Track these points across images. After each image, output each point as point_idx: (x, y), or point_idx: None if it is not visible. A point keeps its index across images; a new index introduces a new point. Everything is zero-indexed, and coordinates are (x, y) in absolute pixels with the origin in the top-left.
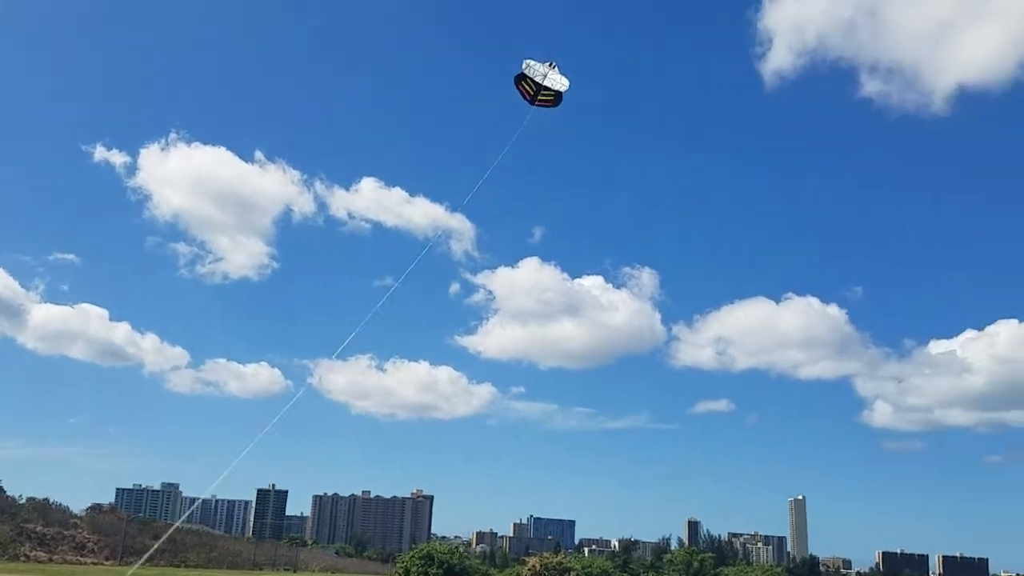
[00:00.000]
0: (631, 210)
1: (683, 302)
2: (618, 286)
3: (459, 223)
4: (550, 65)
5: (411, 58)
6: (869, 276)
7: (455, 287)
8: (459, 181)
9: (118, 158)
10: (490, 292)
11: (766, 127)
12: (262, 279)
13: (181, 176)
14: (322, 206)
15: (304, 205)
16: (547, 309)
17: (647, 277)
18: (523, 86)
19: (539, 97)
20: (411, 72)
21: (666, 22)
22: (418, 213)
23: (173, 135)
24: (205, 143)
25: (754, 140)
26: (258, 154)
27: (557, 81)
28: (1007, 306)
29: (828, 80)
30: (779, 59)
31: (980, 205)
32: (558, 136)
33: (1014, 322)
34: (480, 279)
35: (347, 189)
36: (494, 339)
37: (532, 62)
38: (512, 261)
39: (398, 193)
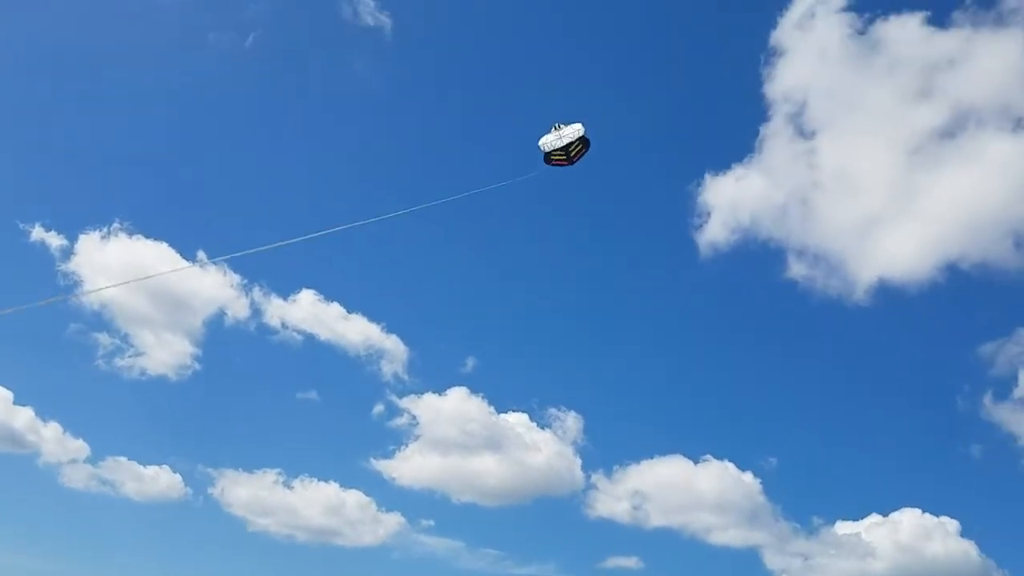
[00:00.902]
0: (563, 353)
1: (605, 451)
2: (543, 426)
3: (393, 344)
4: (556, 128)
5: (364, 175)
6: (784, 449)
7: (379, 408)
8: (399, 302)
9: (55, 240)
10: (414, 417)
11: (697, 294)
12: (181, 379)
13: (117, 266)
14: (257, 312)
15: (239, 310)
16: (470, 441)
17: (572, 421)
18: (555, 160)
19: (573, 155)
20: (363, 190)
21: (612, 187)
22: (353, 330)
23: (116, 224)
24: (148, 236)
25: (685, 304)
26: (200, 254)
27: (572, 132)
28: (910, 494)
29: (758, 258)
30: (715, 232)
31: (890, 395)
32: (503, 277)
33: (917, 511)
34: (405, 403)
35: (285, 299)
36: (411, 466)
37: (544, 138)
38: (441, 388)
39: (336, 308)
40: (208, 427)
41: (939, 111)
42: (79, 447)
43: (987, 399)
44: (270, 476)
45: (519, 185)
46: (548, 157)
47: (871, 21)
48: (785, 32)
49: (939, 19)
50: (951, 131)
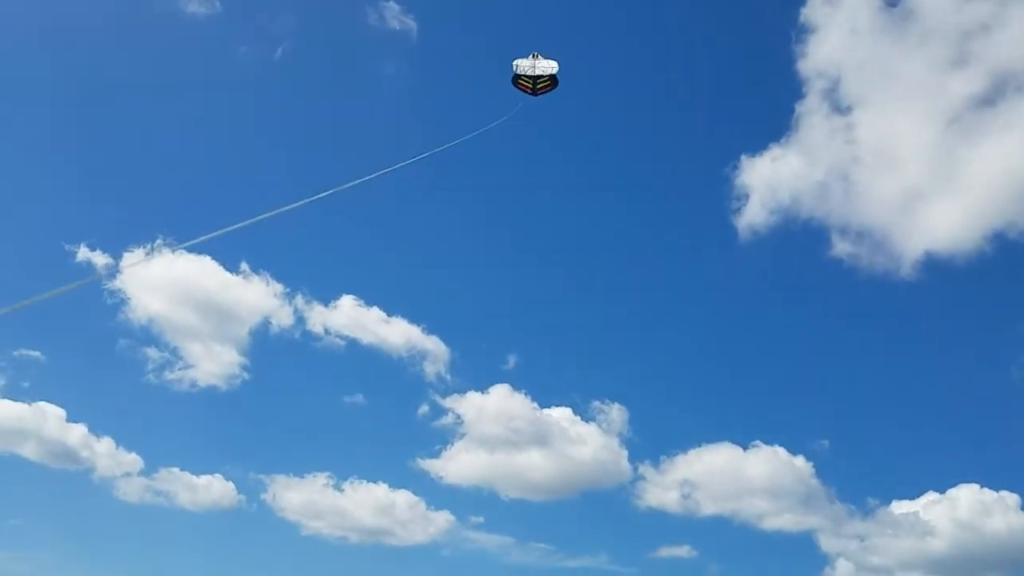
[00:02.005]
0: (604, 344)
1: (651, 441)
2: (587, 420)
3: (434, 345)
4: (533, 56)
5: (400, 186)
6: (836, 431)
7: (424, 409)
8: (438, 304)
9: (100, 259)
10: (459, 416)
11: (739, 278)
12: (231, 389)
13: (162, 282)
14: (300, 320)
15: (283, 318)
16: (514, 437)
17: (616, 413)
18: (521, 84)
19: (539, 87)
20: (395, 197)
21: (648, 173)
22: (394, 333)
23: (159, 241)
24: (190, 251)
25: (727, 289)
26: (243, 265)
27: (547, 66)
28: (967, 470)
29: (800, 238)
30: (754, 215)
31: (944, 370)
32: (540, 273)
33: (975, 486)
34: (449, 402)
35: (326, 305)
36: (458, 464)
37: (518, 60)
38: (483, 386)
39: (376, 312)
40: (258, 434)
41: (976, 79)
42: (132, 460)
43: None
44: (320, 479)
45: (556, 184)
46: (516, 79)
47: None
48: (815, 8)
49: None
50: (990, 98)
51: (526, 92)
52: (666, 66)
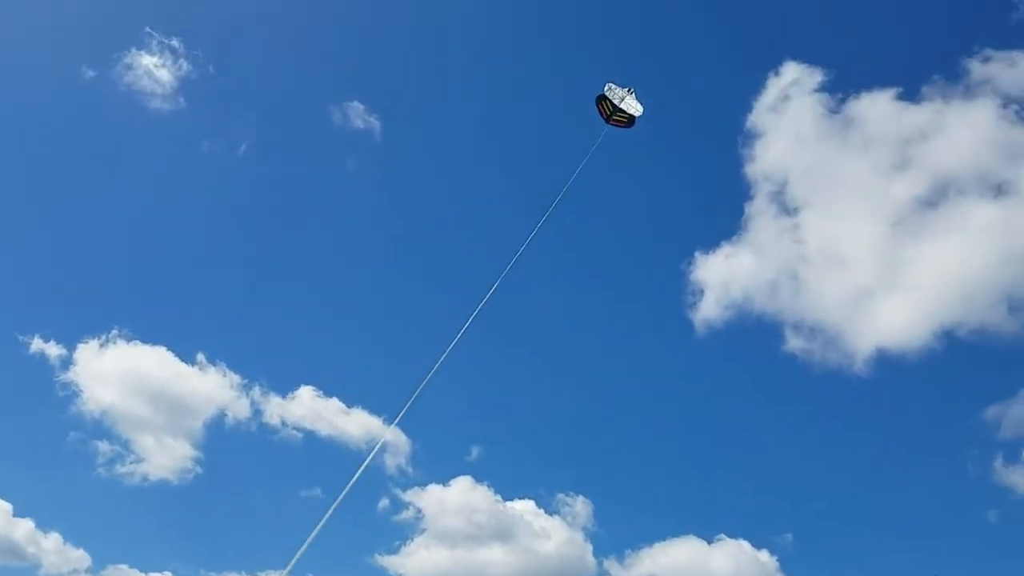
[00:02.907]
0: (568, 437)
1: (616, 535)
2: (551, 513)
3: (395, 436)
4: (629, 91)
5: (359, 276)
6: (799, 524)
7: (384, 503)
8: (399, 395)
9: (54, 350)
10: (419, 510)
11: (697, 371)
12: (183, 483)
13: (116, 373)
14: (257, 412)
15: (239, 410)
16: (476, 532)
17: (581, 506)
18: (602, 106)
19: (614, 117)
20: (357, 286)
21: (609, 267)
22: (354, 424)
23: (115, 331)
24: (146, 342)
25: (686, 382)
26: (200, 356)
27: (633, 106)
28: (932, 565)
29: (754, 333)
30: (709, 310)
31: (901, 464)
32: (503, 365)
33: None
34: (409, 496)
35: (284, 396)
36: (417, 561)
37: (613, 85)
38: (445, 479)
39: (335, 403)
40: (211, 530)
41: (918, 182)
42: (80, 557)
43: (998, 463)
44: None
45: (508, 282)
46: (601, 99)
47: (843, 100)
48: (760, 115)
49: (910, 94)
50: (932, 201)
51: (600, 114)
52: (627, 167)
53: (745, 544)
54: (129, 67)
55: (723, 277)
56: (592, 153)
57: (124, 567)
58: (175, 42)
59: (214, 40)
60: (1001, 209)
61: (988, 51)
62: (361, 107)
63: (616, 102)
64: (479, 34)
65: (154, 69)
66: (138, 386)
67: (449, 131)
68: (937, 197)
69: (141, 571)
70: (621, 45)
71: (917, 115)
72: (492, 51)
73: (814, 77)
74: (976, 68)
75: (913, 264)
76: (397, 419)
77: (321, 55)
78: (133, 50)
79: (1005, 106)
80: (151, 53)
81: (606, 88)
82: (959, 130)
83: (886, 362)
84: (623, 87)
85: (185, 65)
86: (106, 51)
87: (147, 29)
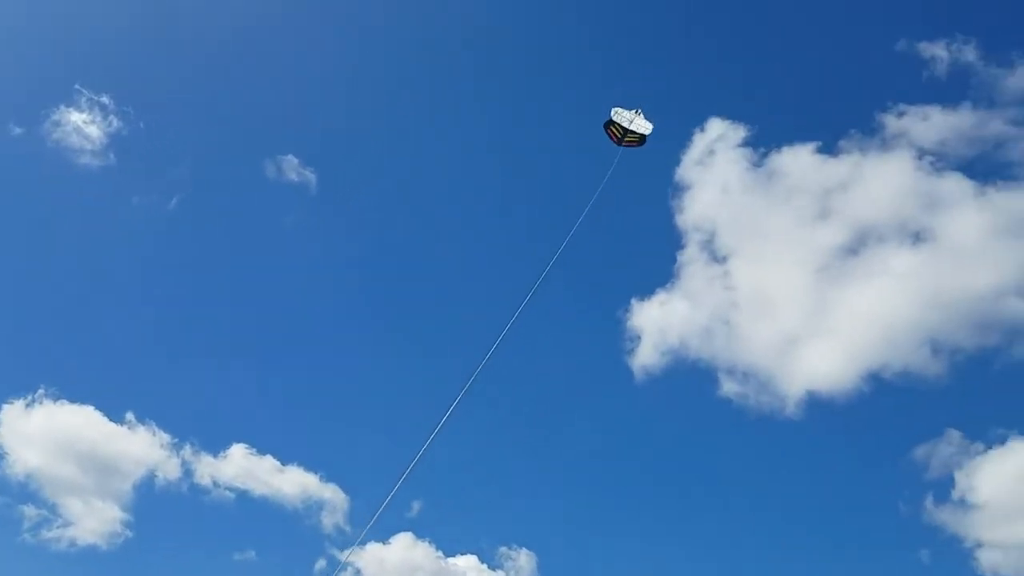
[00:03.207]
0: (509, 489)
1: None
2: (494, 567)
3: (332, 494)
4: (636, 112)
5: (294, 332)
6: (741, 568)
7: (321, 563)
8: (335, 450)
9: None
10: (358, 571)
11: (637, 419)
12: (112, 547)
13: (42, 435)
14: (188, 472)
15: (170, 470)
16: None
17: (524, 559)
18: (611, 130)
19: (625, 139)
20: (291, 342)
21: (547, 315)
22: (288, 482)
23: (41, 391)
24: (73, 401)
25: (625, 429)
26: (128, 415)
27: (642, 125)
28: None
29: (690, 378)
30: (646, 356)
31: (833, 506)
32: (438, 417)
33: None
34: (347, 556)
35: (215, 455)
36: None
37: (620, 109)
38: (384, 536)
39: (269, 461)
40: None
41: (840, 231)
42: None
43: (928, 502)
44: None
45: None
46: (609, 124)
47: (766, 154)
48: (688, 168)
49: (828, 147)
50: (854, 248)
51: (611, 138)
52: (561, 217)
53: None
54: (57, 124)
55: (659, 323)
56: (608, 177)
57: None
58: (105, 99)
59: (145, 96)
60: (920, 255)
61: (902, 106)
62: (295, 160)
63: (626, 124)
64: (410, 85)
65: (83, 126)
66: (65, 447)
67: (385, 183)
68: (858, 244)
69: None
70: (556, 99)
71: (836, 167)
72: (415, 101)
73: (738, 132)
74: (891, 122)
75: (838, 309)
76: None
77: (253, 109)
78: (62, 107)
79: (920, 157)
80: (80, 110)
81: (613, 113)
82: (877, 181)
83: (816, 405)
84: (629, 109)
85: (115, 121)
86: (34, 108)
87: (76, 86)
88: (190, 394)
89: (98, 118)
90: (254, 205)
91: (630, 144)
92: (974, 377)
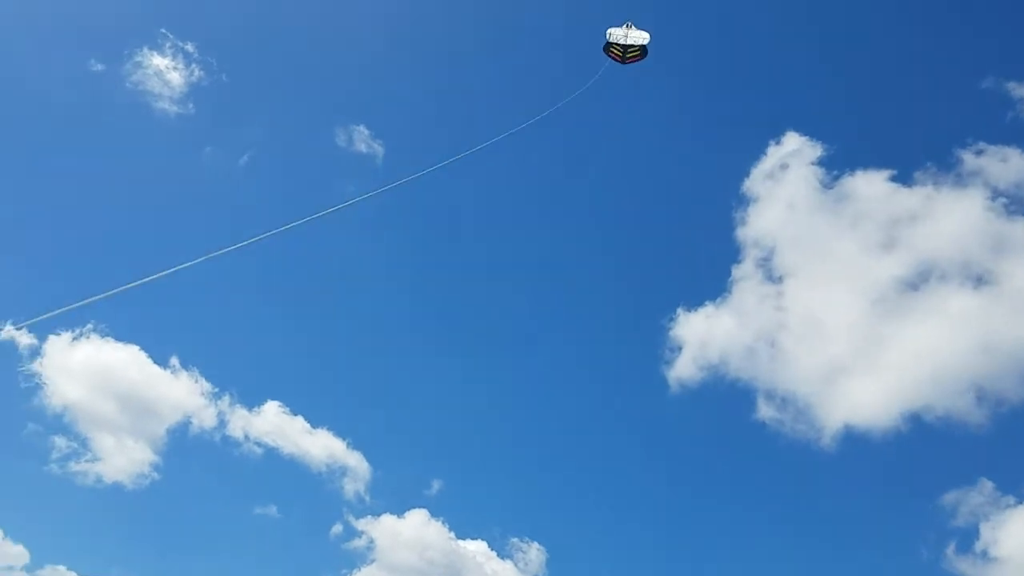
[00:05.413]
0: (530, 482)
1: None
2: (503, 556)
3: (356, 462)
4: (627, 25)
5: (343, 298)
6: None
7: (337, 528)
8: (366, 419)
9: (25, 339)
10: (372, 540)
11: (666, 430)
12: (137, 488)
13: (84, 369)
14: (222, 423)
15: (206, 419)
16: (427, 568)
17: (535, 553)
18: (612, 52)
19: (628, 57)
20: (340, 307)
21: (589, 314)
22: (316, 445)
23: (90, 326)
24: (120, 340)
25: (653, 440)
26: (173, 359)
27: (639, 36)
28: None
29: (727, 397)
30: (684, 368)
31: (855, 544)
32: (472, 406)
33: None
34: (363, 524)
35: (250, 409)
36: None
37: (612, 29)
38: (401, 511)
39: (300, 422)
40: (157, 540)
41: (902, 263)
42: (19, 553)
43: (950, 550)
44: None
45: (487, 322)
46: (608, 47)
47: (839, 176)
48: (756, 181)
49: (903, 177)
50: (914, 283)
51: (615, 60)
52: (618, 214)
53: None
54: (139, 65)
55: (702, 337)
56: (590, 85)
57: (63, 568)
58: (190, 46)
59: (230, 49)
60: (980, 299)
61: (982, 144)
62: (366, 132)
63: (623, 42)
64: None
65: (165, 71)
66: (106, 384)
67: (451, 165)
68: (919, 280)
69: (79, 574)
70: (638, 90)
71: (908, 198)
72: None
73: (814, 150)
74: (969, 159)
75: (889, 343)
76: None
77: (332, 77)
78: (145, 49)
79: (993, 198)
80: (163, 55)
81: (607, 34)
82: (947, 217)
83: (852, 439)
84: (620, 26)
85: (197, 71)
86: (117, 46)
87: (162, 30)
88: (235, 345)
89: (180, 65)
90: (320, 170)
91: (633, 59)
92: (1015, 429)
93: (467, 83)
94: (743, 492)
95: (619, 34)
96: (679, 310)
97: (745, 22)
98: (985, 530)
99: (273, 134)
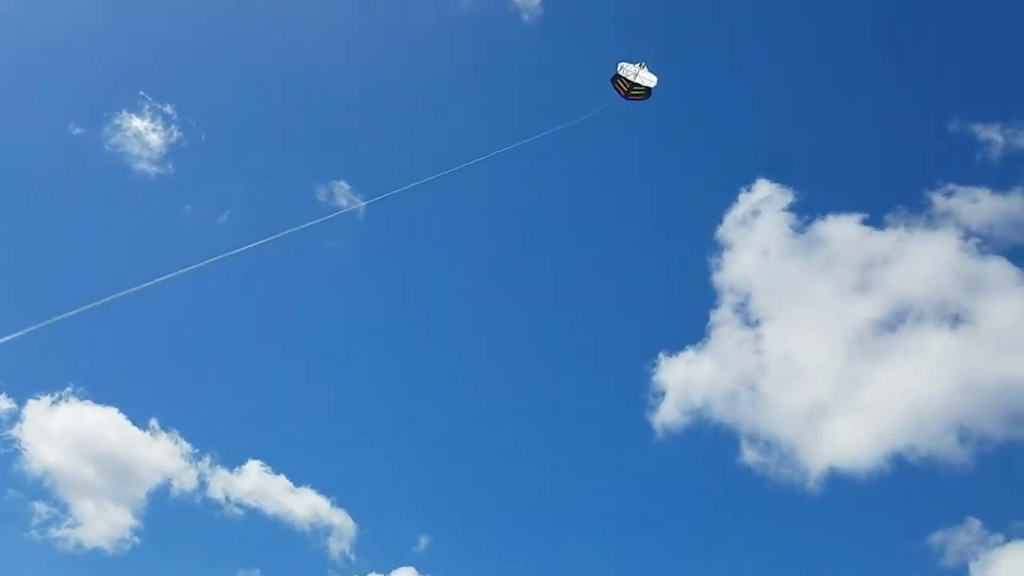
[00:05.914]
0: (518, 535)
1: None
2: None
3: (341, 520)
4: (640, 65)
5: (325, 355)
6: None
7: None
8: (349, 476)
9: (4, 404)
10: None
11: (652, 476)
12: (118, 553)
13: (64, 433)
14: (203, 484)
15: (186, 481)
16: None
17: None
18: (617, 84)
19: (632, 92)
20: (319, 364)
21: (567, 366)
22: (300, 504)
23: (68, 389)
24: (99, 403)
25: (641, 487)
26: (153, 421)
27: (647, 78)
28: None
29: (711, 442)
30: (668, 413)
31: None
32: (460, 456)
33: None
34: None
35: (231, 470)
36: None
37: (625, 64)
38: (387, 569)
39: (283, 481)
40: None
41: (878, 305)
42: None
43: None
44: None
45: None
46: (616, 78)
47: (810, 221)
48: (729, 228)
49: (875, 220)
50: (891, 324)
51: (619, 93)
52: (601, 261)
53: None
54: (118, 128)
55: (684, 382)
56: (590, 116)
57: None
58: (168, 108)
59: (208, 109)
60: (957, 338)
61: (951, 185)
62: (347, 186)
63: (631, 78)
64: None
65: (144, 132)
66: (85, 447)
67: (429, 215)
68: (896, 321)
69: None
70: (612, 138)
71: (880, 240)
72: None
73: (784, 196)
74: (939, 201)
75: (868, 385)
76: None
77: (311, 133)
78: (124, 112)
79: (966, 238)
80: (142, 117)
81: (619, 67)
82: (920, 258)
83: (836, 481)
84: (634, 63)
85: (176, 132)
86: (96, 110)
87: (141, 92)
88: (215, 406)
89: (160, 127)
90: (300, 225)
91: (636, 97)
92: (999, 468)
93: (446, 126)
94: (732, 537)
95: (630, 70)
96: (660, 355)
97: (712, 72)
98: (974, 569)
99: (253, 191)
